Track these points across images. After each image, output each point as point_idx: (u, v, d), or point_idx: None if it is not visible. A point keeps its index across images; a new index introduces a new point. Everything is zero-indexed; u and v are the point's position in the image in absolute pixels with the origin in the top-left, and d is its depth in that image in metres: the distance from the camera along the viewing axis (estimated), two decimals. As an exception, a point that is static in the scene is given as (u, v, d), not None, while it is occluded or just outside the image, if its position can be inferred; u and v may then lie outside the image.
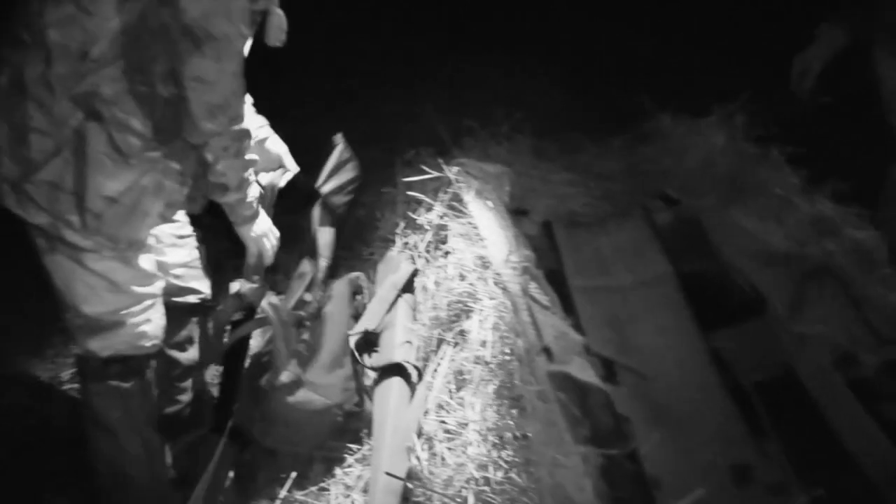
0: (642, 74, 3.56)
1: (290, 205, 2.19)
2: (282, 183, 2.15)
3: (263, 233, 1.89)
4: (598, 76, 3.85)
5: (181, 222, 1.91)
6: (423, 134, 3.24)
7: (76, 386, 2.14)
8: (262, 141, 2.07)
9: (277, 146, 2.13)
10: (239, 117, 1.63)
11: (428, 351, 1.90)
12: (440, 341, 1.86)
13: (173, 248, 1.87)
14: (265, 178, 2.12)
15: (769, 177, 2.45)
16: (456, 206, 2.18)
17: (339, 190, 2.33)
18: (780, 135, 2.54)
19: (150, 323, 1.69)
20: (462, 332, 1.80)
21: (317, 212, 2.26)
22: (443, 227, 2.17)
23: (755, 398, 1.87)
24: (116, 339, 1.65)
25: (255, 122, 1.99)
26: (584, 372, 1.69)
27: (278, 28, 1.73)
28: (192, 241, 1.95)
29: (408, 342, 1.87)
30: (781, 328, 2.01)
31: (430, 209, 2.24)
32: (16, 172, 1.51)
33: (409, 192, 2.37)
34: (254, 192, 1.79)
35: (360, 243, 2.57)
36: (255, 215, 1.83)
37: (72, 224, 1.53)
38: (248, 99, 1.86)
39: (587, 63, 4.00)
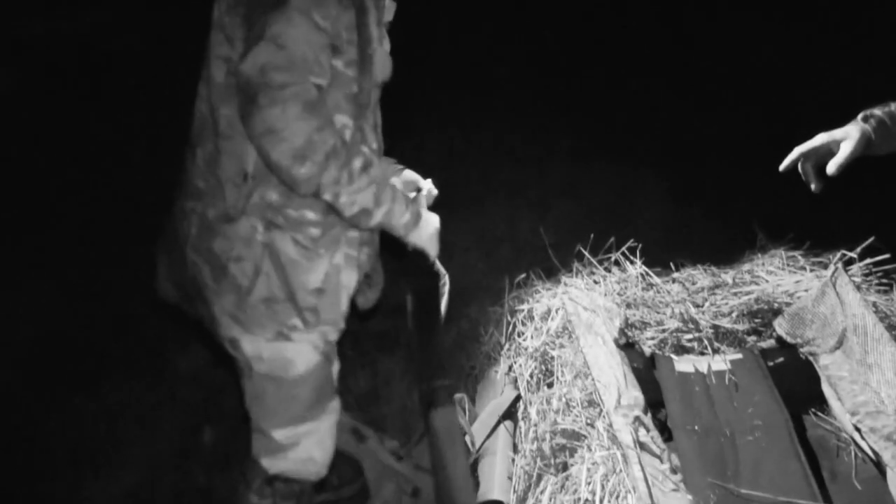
0: (758, 199, 3.53)
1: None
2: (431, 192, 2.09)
3: (435, 231, 1.81)
4: (712, 194, 3.84)
5: None
6: (527, 247, 3.33)
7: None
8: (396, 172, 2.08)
9: (407, 174, 2.11)
10: (335, 149, 1.53)
11: (527, 485, 1.88)
12: (540, 476, 1.85)
13: None
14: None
15: (893, 325, 2.35)
16: (564, 335, 2.19)
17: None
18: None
19: (321, 449, 1.79)
20: (566, 469, 1.78)
21: None
22: (549, 356, 2.18)
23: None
24: (286, 460, 1.75)
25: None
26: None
27: (382, 67, 1.66)
28: None
29: (508, 478, 1.86)
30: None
31: (537, 335, 2.25)
32: (232, 302, 1.63)
33: (517, 313, 2.41)
34: (400, 199, 1.69)
35: (462, 357, 2.61)
36: (416, 216, 1.73)
37: (296, 327, 1.65)
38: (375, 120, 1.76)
39: (701, 178, 4.00)
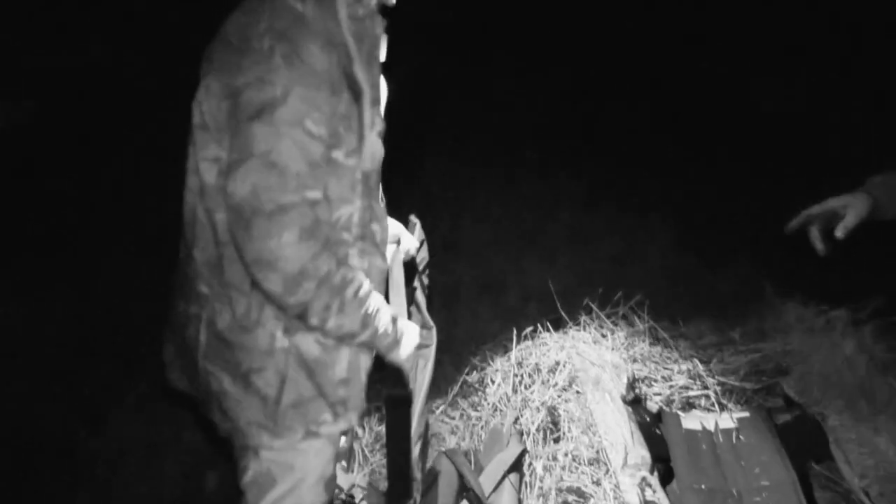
0: (767, 253, 3.54)
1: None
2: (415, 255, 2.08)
3: (412, 351, 1.70)
4: (720, 246, 3.84)
5: None
6: (535, 295, 3.34)
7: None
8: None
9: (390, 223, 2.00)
10: (328, 276, 1.44)
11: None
12: (546, 533, 1.84)
13: None
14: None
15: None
16: (571, 389, 2.19)
17: (424, 268, 2.24)
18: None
19: None
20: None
21: (420, 293, 2.16)
22: (556, 410, 2.17)
23: None
24: None
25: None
26: None
27: (372, 155, 1.56)
28: None
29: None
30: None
31: (544, 388, 2.25)
32: (259, 411, 1.56)
33: (524, 365, 2.41)
34: (385, 319, 1.59)
35: (469, 407, 2.60)
36: (396, 340, 1.64)
37: (326, 421, 1.59)
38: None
39: (710, 230, 4.01)
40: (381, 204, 1.69)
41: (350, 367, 1.61)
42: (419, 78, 6.44)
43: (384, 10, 1.58)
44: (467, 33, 7.60)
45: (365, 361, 1.66)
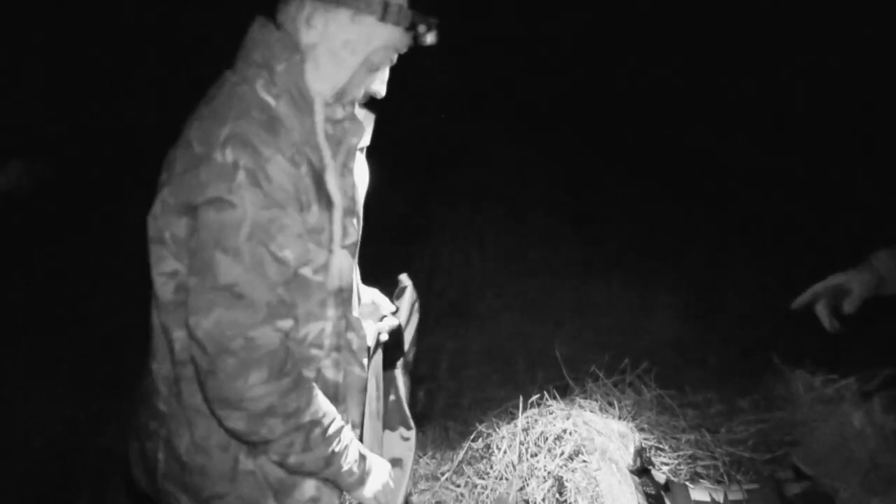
0: (775, 320, 3.53)
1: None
2: (384, 335, 1.85)
3: (378, 489, 1.54)
4: (728, 314, 3.84)
5: None
6: (541, 362, 3.33)
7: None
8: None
9: (370, 294, 1.86)
10: (298, 410, 1.33)
11: None
12: None
13: None
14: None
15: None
16: (578, 458, 2.17)
17: (412, 345, 2.02)
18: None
19: None
20: None
21: (400, 376, 1.95)
22: (562, 479, 2.15)
23: None
24: None
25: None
26: None
27: (339, 273, 1.42)
28: None
29: None
30: None
31: (551, 457, 2.23)
32: None
33: (530, 433, 2.39)
34: (352, 457, 1.46)
35: (474, 475, 2.57)
36: (362, 479, 1.49)
37: None
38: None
39: (716, 298, 4.02)
40: (357, 312, 1.55)
41: (319, 485, 1.48)
42: (429, 141, 6.59)
43: (372, 101, 1.50)
44: (476, 98, 7.78)
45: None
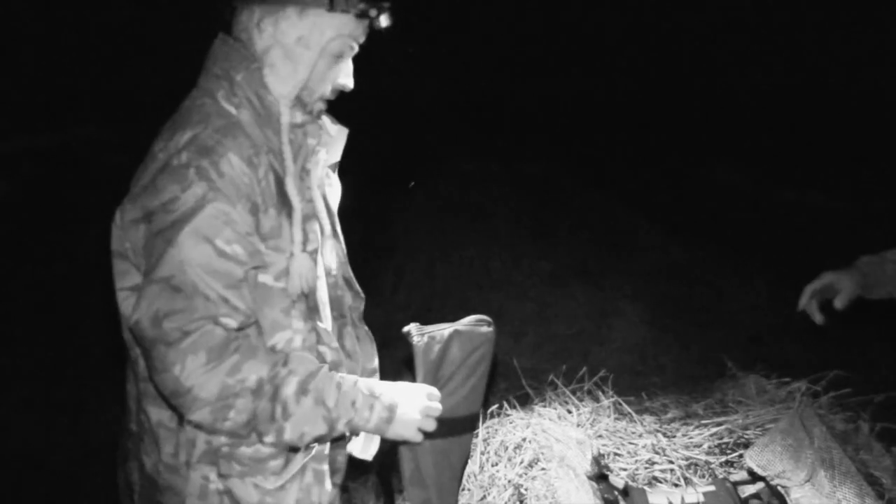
0: (729, 327, 3.63)
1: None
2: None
3: (417, 418, 1.40)
4: (684, 321, 3.92)
5: None
6: (502, 372, 3.36)
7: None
8: None
9: None
10: (259, 385, 1.28)
11: None
12: None
13: None
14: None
15: (859, 458, 2.40)
16: (537, 466, 2.20)
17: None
18: (872, 412, 2.53)
19: None
20: None
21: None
22: (522, 487, 2.18)
23: None
24: None
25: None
26: None
27: (299, 277, 1.38)
28: None
29: None
30: None
31: (510, 466, 2.26)
32: None
33: (490, 442, 2.42)
34: (358, 396, 1.36)
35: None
36: (386, 416, 1.37)
37: None
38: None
39: (673, 305, 4.11)
40: (327, 324, 1.51)
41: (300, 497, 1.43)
42: (392, 154, 6.61)
43: (342, 94, 1.49)
44: (442, 114, 7.83)
45: (319, 496, 1.47)
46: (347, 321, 1.62)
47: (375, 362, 1.68)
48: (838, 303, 1.94)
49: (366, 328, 1.69)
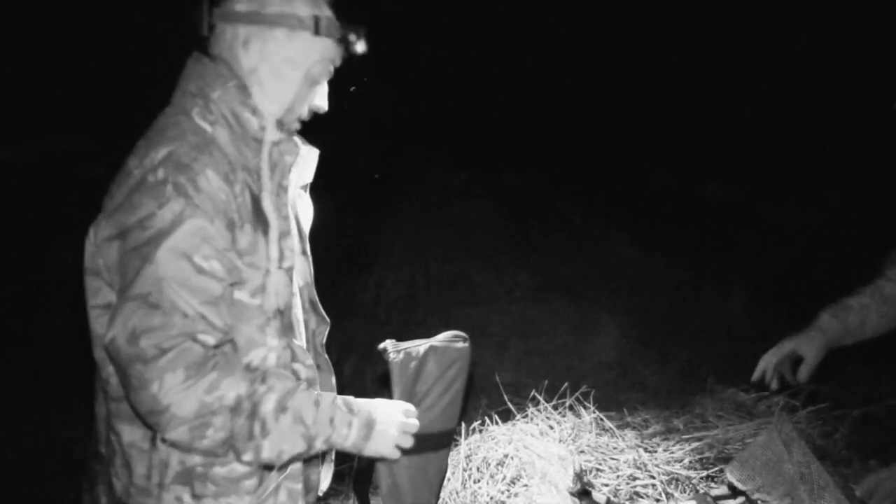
0: (709, 341, 3.65)
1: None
2: None
3: (395, 434, 1.41)
4: (665, 336, 3.95)
5: None
6: (484, 387, 3.36)
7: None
8: None
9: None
10: (237, 402, 1.27)
11: None
12: None
13: None
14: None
15: (837, 472, 2.41)
16: (519, 483, 2.19)
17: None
18: (850, 426, 2.55)
19: None
20: None
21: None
22: (504, 504, 2.17)
23: None
24: None
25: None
26: None
27: (275, 294, 1.37)
28: None
29: None
30: None
31: (493, 482, 2.25)
32: None
33: (472, 459, 2.40)
34: (336, 413, 1.36)
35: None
36: (366, 426, 1.37)
37: None
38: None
39: (655, 321, 4.13)
40: (302, 341, 1.52)
41: None
42: (372, 170, 6.61)
43: (315, 136, 1.52)
44: (418, 127, 7.86)
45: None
46: (310, 347, 1.60)
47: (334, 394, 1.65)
48: (802, 375, 1.88)
49: (326, 356, 1.67)
